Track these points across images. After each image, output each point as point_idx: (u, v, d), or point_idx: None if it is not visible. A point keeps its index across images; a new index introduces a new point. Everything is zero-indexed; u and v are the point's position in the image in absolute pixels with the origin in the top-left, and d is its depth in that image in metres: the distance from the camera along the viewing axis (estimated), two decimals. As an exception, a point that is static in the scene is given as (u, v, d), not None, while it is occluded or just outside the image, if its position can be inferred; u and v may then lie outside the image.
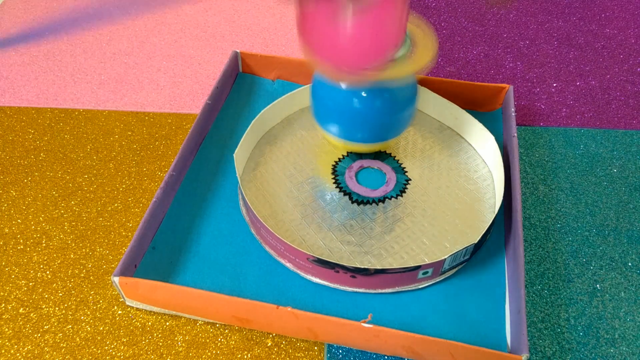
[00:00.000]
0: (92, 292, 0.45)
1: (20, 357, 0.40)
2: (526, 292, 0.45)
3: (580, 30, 0.80)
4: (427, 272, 0.43)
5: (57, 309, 0.43)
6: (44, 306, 0.44)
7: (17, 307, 0.44)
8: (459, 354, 0.38)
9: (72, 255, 0.47)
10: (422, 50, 0.30)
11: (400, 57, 0.33)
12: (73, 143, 0.59)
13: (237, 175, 0.49)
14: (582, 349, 0.42)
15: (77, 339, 0.42)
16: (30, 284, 0.45)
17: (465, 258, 0.46)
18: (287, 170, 0.53)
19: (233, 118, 0.61)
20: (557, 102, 0.66)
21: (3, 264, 0.46)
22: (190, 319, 0.43)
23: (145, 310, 0.43)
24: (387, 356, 0.41)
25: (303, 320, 0.39)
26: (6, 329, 0.42)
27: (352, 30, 0.24)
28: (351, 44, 0.25)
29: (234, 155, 0.50)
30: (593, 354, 0.42)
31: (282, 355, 0.41)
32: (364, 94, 0.46)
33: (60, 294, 0.44)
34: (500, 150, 0.53)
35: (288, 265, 0.46)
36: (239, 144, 0.51)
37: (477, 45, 0.77)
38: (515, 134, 0.54)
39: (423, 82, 0.61)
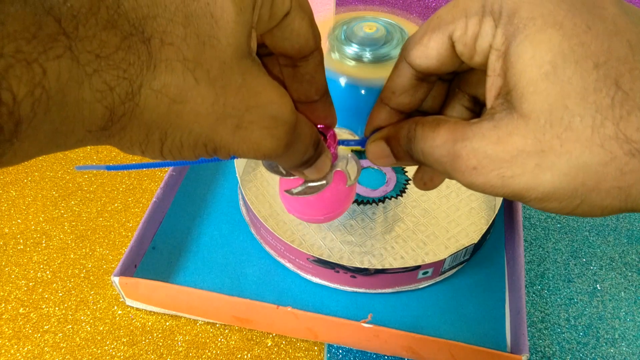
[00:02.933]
0: (92, 292, 0.45)
1: (20, 357, 0.40)
2: (526, 292, 0.45)
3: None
4: (427, 272, 0.43)
5: (57, 309, 0.43)
6: (44, 306, 0.44)
7: (17, 307, 0.44)
8: (459, 353, 0.38)
9: (72, 255, 0.47)
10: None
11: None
12: (73, 143, 0.59)
13: (237, 175, 0.49)
14: (582, 349, 0.42)
15: (77, 339, 0.42)
16: (30, 284, 0.45)
17: (465, 258, 0.46)
18: (287, 170, 0.53)
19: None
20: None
21: (3, 264, 0.46)
22: (190, 319, 0.43)
23: (145, 310, 0.43)
24: (387, 356, 0.41)
25: (303, 320, 0.40)
26: (6, 329, 0.42)
27: (308, 199, 0.32)
28: (308, 206, 0.32)
29: (234, 155, 0.50)
30: (593, 354, 0.42)
31: (282, 355, 0.41)
32: (362, 92, 0.46)
33: (60, 294, 0.44)
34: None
35: (288, 265, 0.46)
36: (239, 144, 0.51)
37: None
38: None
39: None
